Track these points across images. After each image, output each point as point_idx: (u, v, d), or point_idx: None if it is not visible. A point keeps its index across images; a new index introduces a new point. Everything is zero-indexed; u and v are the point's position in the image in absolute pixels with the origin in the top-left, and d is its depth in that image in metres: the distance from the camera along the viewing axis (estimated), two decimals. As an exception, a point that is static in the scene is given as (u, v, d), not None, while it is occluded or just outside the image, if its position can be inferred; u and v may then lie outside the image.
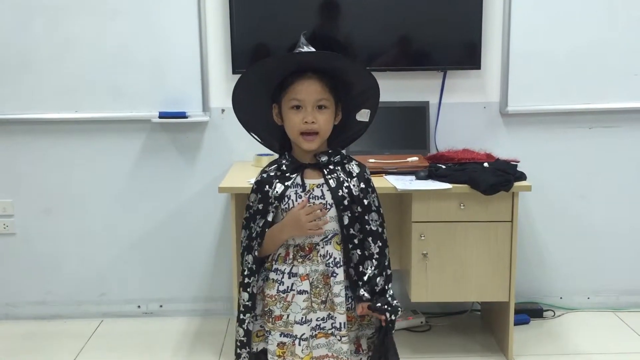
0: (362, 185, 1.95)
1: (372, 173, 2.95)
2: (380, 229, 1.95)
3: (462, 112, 3.43)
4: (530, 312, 3.44)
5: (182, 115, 3.35)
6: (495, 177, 2.84)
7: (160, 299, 3.59)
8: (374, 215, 1.95)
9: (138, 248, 3.53)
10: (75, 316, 3.55)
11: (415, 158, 3.13)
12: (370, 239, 1.93)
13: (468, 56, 3.34)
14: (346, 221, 1.90)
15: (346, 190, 1.91)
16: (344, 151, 2.01)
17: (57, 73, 3.34)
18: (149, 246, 3.53)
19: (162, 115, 3.34)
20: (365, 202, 1.94)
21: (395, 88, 3.37)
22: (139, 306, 3.59)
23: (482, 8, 3.29)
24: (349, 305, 1.95)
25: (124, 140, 3.43)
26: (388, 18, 3.29)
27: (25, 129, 3.41)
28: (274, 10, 3.27)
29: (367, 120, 1.99)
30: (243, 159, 3.35)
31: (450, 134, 3.40)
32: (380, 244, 1.94)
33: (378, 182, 2.91)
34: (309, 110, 1.87)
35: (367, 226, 1.93)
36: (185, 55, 3.34)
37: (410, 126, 3.36)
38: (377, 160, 3.12)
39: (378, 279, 1.93)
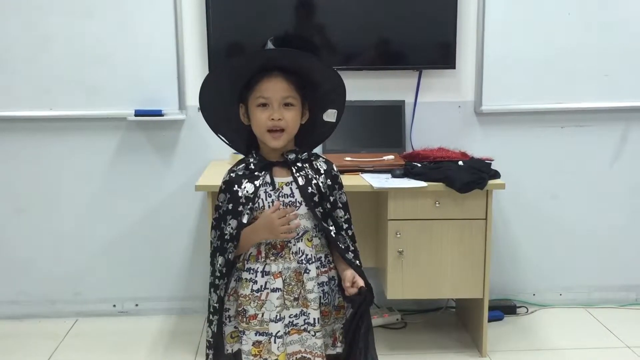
0: (329, 182, 1.96)
1: (349, 171, 3.02)
2: (345, 225, 1.98)
3: (438, 111, 3.45)
4: (503, 309, 3.47)
5: (159, 113, 3.33)
6: (470, 176, 2.86)
7: (136, 297, 3.56)
8: (340, 212, 1.98)
9: (113, 247, 3.49)
10: (49, 316, 3.50)
11: (391, 156, 3.15)
12: (342, 233, 1.96)
13: (443, 56, 3.36)
14: (320, 216, 1.92)
15: (315, 188, 1.93)
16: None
17: (32, 71, 3.28)
18: (125, 245, 3.49)
19: (138, 113, 3.31)
20: (332, 199, 1.96)
21: (372, 87, 3.39)
22: (114, 305, 3.56)
23: (456, 9, 3.30)
24: (324, 301, 1.97)
25: (99, 139, 3.39)
26: (364, 18, 3.29)
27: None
28: (251, 9, 3.25)
29: (333, 120, 2.00)
30: (220, 158, 3.32)
31: (425, 133, 3.41)
32: (347, 241, 1.97)
33: (354, 180, 2.94)
34: (275, 108, 1.88)
35: (337, 221, 1.96)
36: (161, 53, 3.31)
37: (386, 125, 3.38)
38: (353, 158, 3.13)
39: (362, 268, 1.98)
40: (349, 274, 1.93)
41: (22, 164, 3.40)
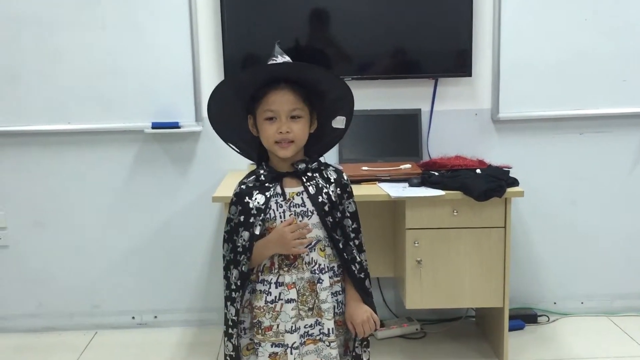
0: (339, 191, 1.95)
1: (366, 181, 3.00)
2: (353, 235, 1.96)
3: (454, 119, 3.42)
4: (524, 318, 3.42)
5: (175, 125, 3.34)
6: (488, 183, 2.83)
7: (154, 309, 3.56)
8: (348, 221, 1.96)
9: (132, 259, 3.49)
10: (69, 328, 3.51)
11: (408, 165, 3.12)
12: (350, 243, 1.94)
13: (459, 64, 3.33)
14: (329, 226, 1.91)
15: (325, 197, 1.91)
16: (322, 158, 2.01)
17: (48, 85, 3.30)
18: (143, 257, 3.49)
19: (155, 125, 3.32)
20: (341, 207, 1.94)
21: (388, 96, 3.37)
22: (133, 317, 3.56)
23: (472, 16, 3.28)
24: (338, 311, 1.95)
25: (117, 151, 3.40)
26: (379, 27, 3.28)
27: (17, 141, 3.37)
28: (266, 21, 3.25)
29: (342, 126, 1.98)
30: (237, 168, 3.31)
31: (442, 141, 3.39)
32: (354, 250, 1.95)
33: (371, 189, 2.92)
34: (283, 121, 1.86)
35: (345, 231, 1.94)
36: (177, 65, 3.31)
37: (403, 134, 3.36)
38: (370, 167, 3.11)
39: (366, 281, 1.97)
40: (355, 317, 1.94)
41: (40, 178, 3.42)
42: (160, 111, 3.34)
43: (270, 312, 1.91)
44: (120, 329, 3.53)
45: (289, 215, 1.90)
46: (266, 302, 1.91)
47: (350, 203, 1.98)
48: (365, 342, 1.99)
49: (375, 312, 1.97)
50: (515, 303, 3.50)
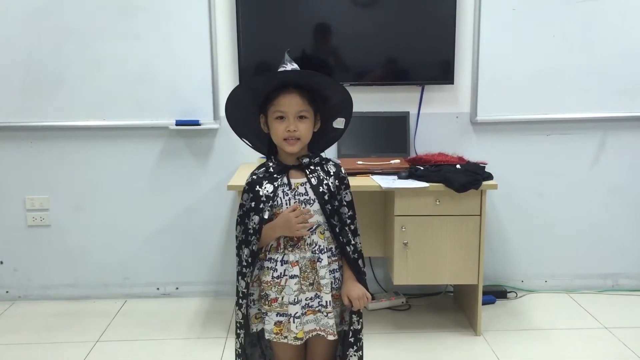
0: (337, 183, 1.94)
1: (360, 173, 2.99)
2: (349, 221, 1.95)
3: (438, 121, 3.41)
4: (495, 294, 3.43)
5: (196, 123, 3.33)
6: (466, 177, 2.82)
7: (176, 282, 3.56)
8: (345, 209, 1.95)
9: (157, 238, 3.49)
10: (102, 297, 3.51)
11: (397, 160, 3.12)
12: (345, 228, 1.94)
13: (443, 73, 3.32)
14: (328, 212, 1.90)
15: (325, 187, 1.91)
16: (323, 153, 2.01)
17: (88, 87, 3.30)
18: (167, 236, 3.49)
19: (179, 123, 3.31)
20: (339, 197, 1.94)
21: (380, 100, 3.36)
22: (158, 288, 3.56)
23: (455, 32, 3.27)
24: (335, 286, 1.95)
25: (145, 145, 3.40)
26: (375, 40, 3.26)
27: (60, 135, 3.37)
28: (275, 33, 3.24)
29: (342, 127, 1.98)
30: (248, 161, 3.32)
31: (427, 140, 3.38)
32: (349, 234, 1.94)
33: (365, 181, 2.91)
34: (291, 120, 1.86)
35: (342, 217, 1.94)
36: (198, 71, 3.30)
37: (393, 133, 3.36)
38: (364, 162, 3.10)
39: (360, 261, 1.96)
40: (352, 294, 1.92)
41: (79, 167, 3.42)
42: (183, 110, 3.33)
43: (276, 286, 1.91)
44: (146, 298, 3.53)
45: (294, 203, 1.90)
46: (273, 277, 1.91)
47: (346, 193, 1.97)
48: (358, 314, 1.98)
49: (367, 289, 1.96)
50: (488, 280, 3.50)
